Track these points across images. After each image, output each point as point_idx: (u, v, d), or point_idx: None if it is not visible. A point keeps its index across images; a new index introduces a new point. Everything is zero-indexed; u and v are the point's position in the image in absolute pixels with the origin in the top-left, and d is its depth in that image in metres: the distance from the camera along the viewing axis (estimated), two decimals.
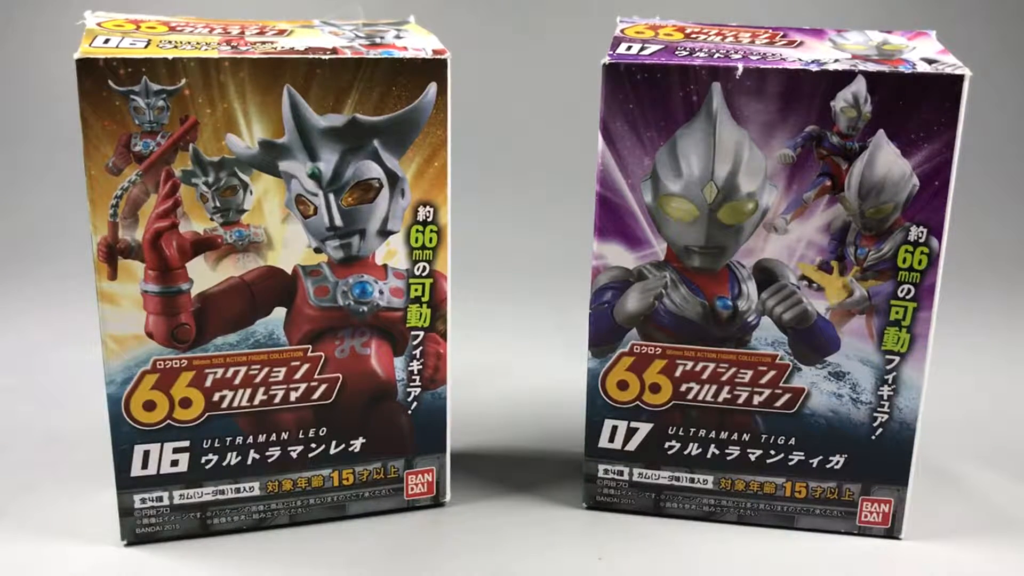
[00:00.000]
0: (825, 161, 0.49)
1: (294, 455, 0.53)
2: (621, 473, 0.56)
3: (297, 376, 0.52)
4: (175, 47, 0.47)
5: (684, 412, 0.54)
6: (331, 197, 0.49)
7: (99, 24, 0.50)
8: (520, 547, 0.53)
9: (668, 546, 0.54)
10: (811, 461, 0.54)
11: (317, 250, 0.50)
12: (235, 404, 0.51)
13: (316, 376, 0.52)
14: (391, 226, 0.51)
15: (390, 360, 0.53)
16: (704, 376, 0.53)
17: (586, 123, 0.66)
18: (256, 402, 0.52)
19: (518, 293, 0.86)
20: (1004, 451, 0.64)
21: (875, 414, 0.52)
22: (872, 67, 0.48)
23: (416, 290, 0.52)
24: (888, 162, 0.49)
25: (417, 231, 0.51)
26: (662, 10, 0.60)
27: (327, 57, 0.47)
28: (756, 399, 0.53)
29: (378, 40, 0.51)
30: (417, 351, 0.53)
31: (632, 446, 0.55)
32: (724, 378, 0.53)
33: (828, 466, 0.54)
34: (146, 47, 0.47)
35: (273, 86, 0.47)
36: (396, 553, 0.53)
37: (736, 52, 0.50)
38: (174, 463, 0.52)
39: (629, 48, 0.50)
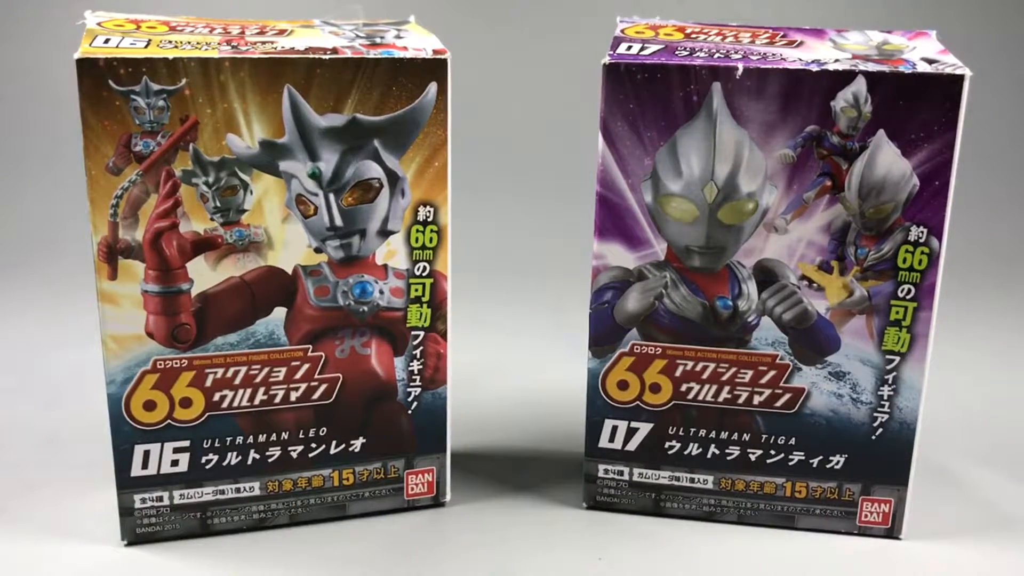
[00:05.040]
0: (825, 161, 0.49)
1: (294, 455, 0.53)
2: (621, 473, 0.56)
3: (297, 376, 0.52)
4: (175, 47, 0.47)
5: (684, 412, 0.54)
6: (331, 197, 0.49)
7: (99, 24, 0.50)
8: (520, 547, 0.53)
9: (668, 546, 0.54)
10: (811, 461, 0.54)
11: (317, 250, 0.50)
12: (235, 404, 0.51)
13: (316, 376, 0.52)
14: (391, 226, 0.51)
15: (390, 360, 0.53)
16: (704, 376, 0.53)
17: (586, 123, 0.66)
18: (256, 402, 0.52)
19: (518, 293, 0.86)
20: (1004, 451, 0.64)
21: (875, 414, 0.52)
22: (872, 67, 0.48)
23: (416, 290, 0.52)
24: (888, 162, 0.49)
25: (417, 231, 0.51)
26: (662, 10, 0.60)
27: (327, 57, 0.47)
28: (756, 399, 0.53)
29: (378, 40, 0.51)
30: (417, 351, 0.53)
31: (632, 446, 0.55)
32: (724, 378, 0.53)
33: (828, 466, 0.54)
34: (146, 47, 0.47)
35: (273, 86, 0.47)
36: (396, 553, 0.53)
37: (736, 52, 0.50)
38: (174, 463, 0.52)
39: (629, 48, 0.50)
